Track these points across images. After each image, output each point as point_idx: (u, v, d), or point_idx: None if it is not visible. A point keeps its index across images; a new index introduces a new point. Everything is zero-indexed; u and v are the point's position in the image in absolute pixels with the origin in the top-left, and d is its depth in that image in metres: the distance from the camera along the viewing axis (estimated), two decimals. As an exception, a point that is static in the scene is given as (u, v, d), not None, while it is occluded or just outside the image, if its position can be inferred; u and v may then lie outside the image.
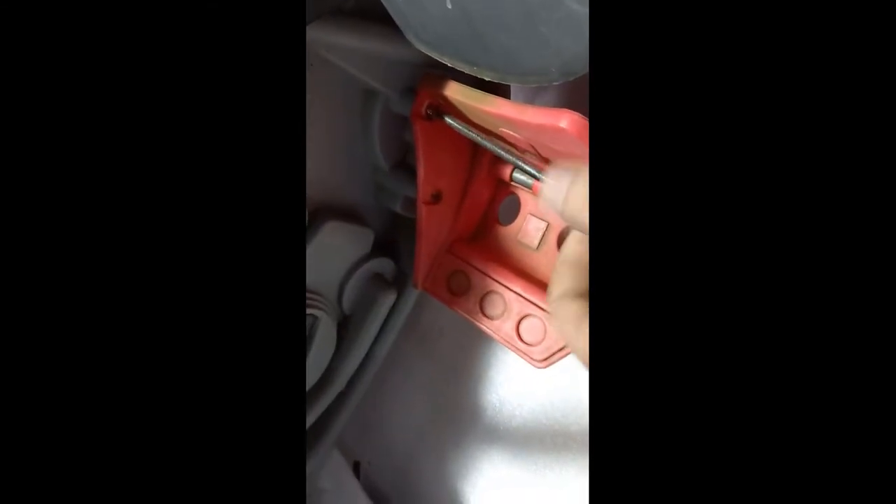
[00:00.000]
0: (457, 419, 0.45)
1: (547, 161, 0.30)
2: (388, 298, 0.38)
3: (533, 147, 0.29)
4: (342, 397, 0.42)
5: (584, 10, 0.16)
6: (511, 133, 0.29)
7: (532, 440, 0.42)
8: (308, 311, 0.35)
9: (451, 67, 0.24)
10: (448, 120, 0.31)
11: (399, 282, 0.40)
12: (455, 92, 0.29)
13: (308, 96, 0.31)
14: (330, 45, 0.29)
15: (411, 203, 0.36)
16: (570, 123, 0.23)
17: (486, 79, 0.23)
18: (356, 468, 0.50)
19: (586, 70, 0.18)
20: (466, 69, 0.23)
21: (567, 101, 0.36)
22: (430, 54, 0.24)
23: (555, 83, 0.20)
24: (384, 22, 0.26)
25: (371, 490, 0.48)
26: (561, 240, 0.34)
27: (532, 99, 0.36)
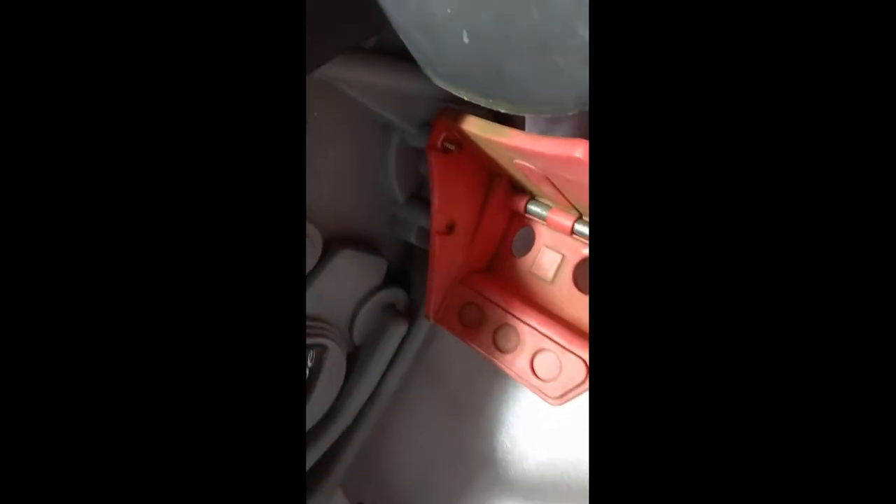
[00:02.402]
0: (465, 460, 0.43)
1: (561, 192, 0.30)
2: (399, 329, 0.38)
3: (548, 178, 0.29)
4: (348, 433, 0.41)
5: (598, 40, 0.16)
6: (526, 165, 0.29)
7: (545, 485, 0.40)
8: (318, 340, 0.35)
9: (468, 101, 0.24)
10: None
11: (411, 313, 0.39)
12: (471, 125, 0.30)
13: (327, 129, 0.32)
14: (350, 81, 0.30)
15: (425, 234, 0.36)
16: (584, 153, 0.23)
17: (502, 111, 0.24)
18: (360, 510, 0.48)
19: (601, 99, 0.19)
20: (483, 102, 0.24)
21: (582, 132, 0.37)
22: (447, 88, 0.25)
23: (570, 113, 0.21)
24: (403, 58, 0.27)
25: (375, 534, 0.45)
26: (576, 272, 0.34)
27: (547, 131, 0.37)
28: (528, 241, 0.36)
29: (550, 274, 0.35)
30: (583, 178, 0.25)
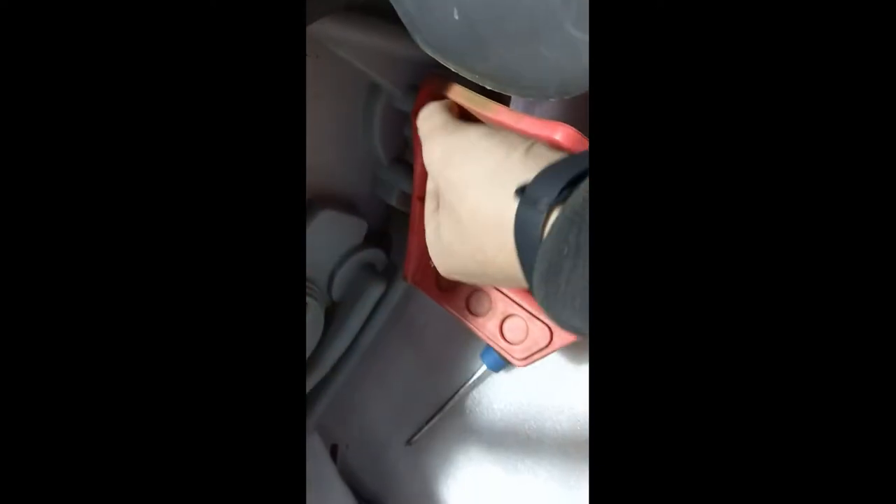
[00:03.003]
0: (435, 408, 0.46)
1: None
2: (377, 289, 0.39)
3: (528, 154, 0.30)
4: (325, 382, 0.43)
5: (581, 36, 0.17)
6: (508, 139, 0.29)
7: (507, 434, 0.43)
8: (298, 295, 0.36)
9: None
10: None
11: (389, 273, 0.41)
12: (457, 94, 0.30)
13: (313, 88, 0.32)
14: (338, 39, 0.29)
15: (407, 198, 0.37)
16: (564, 137, 0.23)
17: (487, 87, 0.24)
18: (333, 451, 0.51)
19: (581, 91, 0.19)
20: (469, 76, 0.24)
21: (564, 111, 0.37)
22: (435, 57, 0.25)
23: (551, 100, 0.21)
24: (393, 20, 0.27)
25: (346, 474, 0.49)
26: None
27: (531, 108, 0.37)
28: (506, 212, 0.37)
29: (525, 244, 0.36)
30: (561, 158, 0.26)
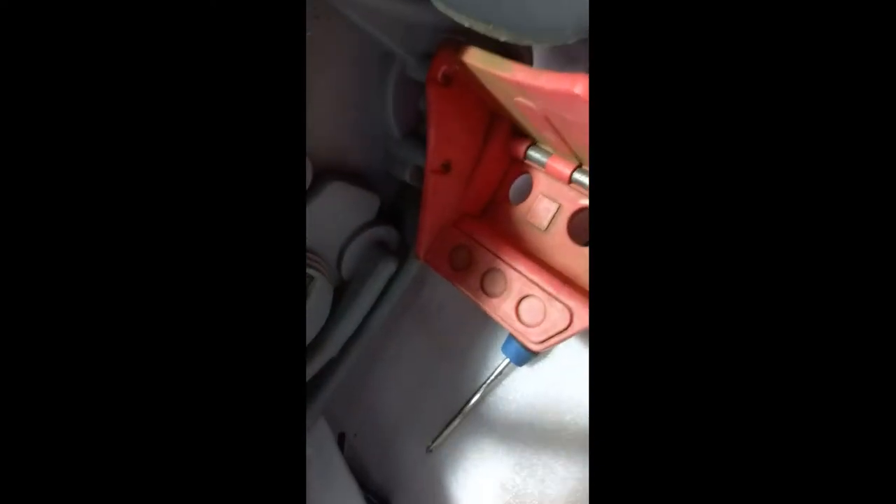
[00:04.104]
0: (448, 397, 0.44)
1: (561, 136, 0.29)
2: (389, 267, 0.38)
3: (548, 119, 0.28)
4: (332, 365, 0.42)
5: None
6: (527, 104, 0.28)
7: (522, 428, 0.41)
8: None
9: (470, 34, 0.23)
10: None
11: (401, 252, 0.39)
12: (472, 58, 0.29)
13: (324, 55, 0.31)
14: (349, 1, 0.28)
15: (420, 172, 0.36)
16: (584, 90, 0.22)
17: (502, 39, 0.22)
18: (341, 439, 0.50)
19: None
20: (482, 28, 0.23)
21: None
22: (447, 13, 0.23)
23: (569, 43, 0.19)
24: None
25: (354, 463, 0.48)
26: (571, 222, 0.34)
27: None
28: (526, 189, 0.35)
29: (545, 223, 0.34)
30: (581, 118, 0.24)
